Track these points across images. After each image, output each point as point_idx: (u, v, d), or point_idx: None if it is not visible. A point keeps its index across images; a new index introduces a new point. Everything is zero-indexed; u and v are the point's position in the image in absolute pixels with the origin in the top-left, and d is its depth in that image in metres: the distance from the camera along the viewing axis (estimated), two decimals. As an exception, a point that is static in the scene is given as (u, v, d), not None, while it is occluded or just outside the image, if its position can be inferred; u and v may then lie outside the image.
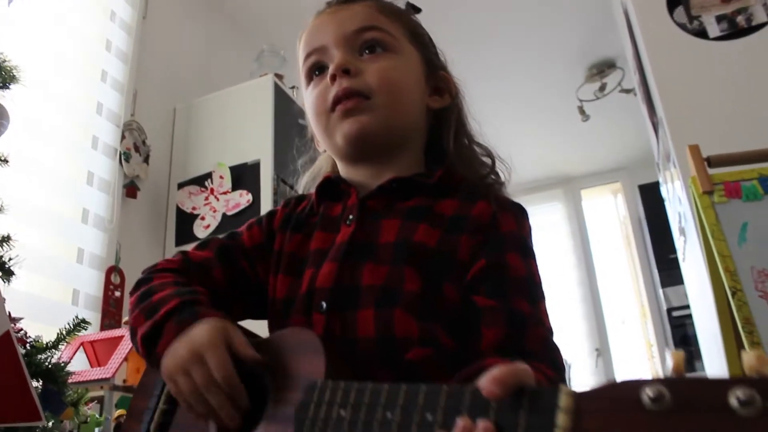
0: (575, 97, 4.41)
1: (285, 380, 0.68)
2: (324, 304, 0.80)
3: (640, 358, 5.14)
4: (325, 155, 1.05)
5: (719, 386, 0.38)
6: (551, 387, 0.45)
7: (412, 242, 0.82)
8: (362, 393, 0.56)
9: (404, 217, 0.85)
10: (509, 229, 0.84)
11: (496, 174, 0.95)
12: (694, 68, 2.27)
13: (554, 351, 0.77)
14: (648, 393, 0.39)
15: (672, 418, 0.39)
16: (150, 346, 0.78)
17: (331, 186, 0.95)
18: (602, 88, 4.27)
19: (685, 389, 0.39)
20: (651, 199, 4.57)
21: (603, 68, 4.18)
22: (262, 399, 0.69)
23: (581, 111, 4.46)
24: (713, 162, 1.75)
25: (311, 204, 0.96)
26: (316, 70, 0.94)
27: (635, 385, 0.41)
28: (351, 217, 0.88)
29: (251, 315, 0.95)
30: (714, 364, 2.48)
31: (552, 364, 0.73)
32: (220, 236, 0.99)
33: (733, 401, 0.37)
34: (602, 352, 5.12)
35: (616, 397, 0.42)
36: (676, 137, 2.20)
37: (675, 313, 4.56)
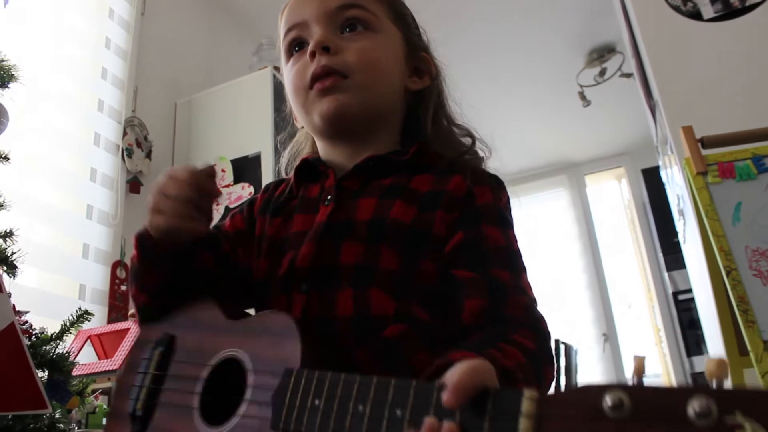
0: (576, 83, 4.40)
1: (262, 364, 0.70)
2: (303, 285, 0.82)
3: (647, 342, 5.15)
4: (303, 131, 1.06)
5: (678, 396, 0.38)
6: (515, 391, 0.46)
7: (388, 219, 0.83)
8: (336, 384, 0.58)
9: (380, 195, 0.86)
10: (485, 202, 0.84)
11: (474, 152, 0.96)
12: (689, 50, 2.28)
13: (538, 319, 0.76)
14: (608, 400, 0.40)
15: (630, 426, 0.39)
16: (141, 247, 0.88)
17: (309, 168, 0.96)
18: (602, 72, 4.27)
19: (645, 398, 0.40)
20: (654, 183, 4.57)
21: (603, 53, 4.17)
22: (242, 381, 0.71)
23: (582, 96, 4.46)
24: (707, 143, 1.76)
25: (290, 187, 0.97)
26: (296, 46, 0.94)
27: (596, 392, 0.41)
28: (329, 197, 0.88)
29: (242, 297, 0.96)
30: (716, 345, 2.49)
31: (535, 332, 0.73)
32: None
33: (690, 412, 0.37)
34: (609, 337, 5.14)
35: (577, 403, 0.42)
36: (672, 120, 2.21)
37: (681, 297, 4.57)
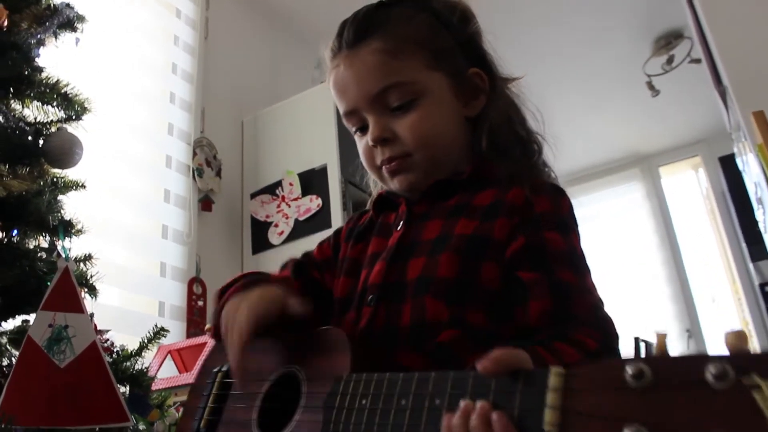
0: (643, 73, 4.28)
1: (316, 375, 0.74)
2: (372, 299, 0.87)
3: (735, 336, 4.93)
4: None
5: (696, 363, 0.40)
6: (543, 369, 0.49)
7: (451, 235, 0.87)
8: (381, 383, 0.62)
9: (445, 216, 0.91)
10: (544, 210, 0.86)
11: (535, 164, 0.97)
12: (758, 32, 2.19)
13: (604, 319, 0.77)
14: (629, 371, 0.42)
15: (652, 394, 0.41)
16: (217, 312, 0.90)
17: (384, 201, 1.03)
18: (670, 60, 4.13)
19: (665, 367, 0.42)
20: (733, 171, 4.37)
21: (670, 39, 4.04)
22: (297, 392, 0.75)
23: (650, 86, 4.32)
24: (779, 127, 1.68)
25: (371, 216, 1.05)
26: (356, 131, 0.99)
27: (619, 365, 0.43)
28: (401, 222, 0.95)
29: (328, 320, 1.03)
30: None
31: (600, 332, 0.74)
32: (296, 258, 1.10)
33: (708, 376, 0.39)
34: (693, 333, 4.94)
35: (601, 376, 0.45)
36: (743, 105, 2.12)
37: (769, 288, 4.36)
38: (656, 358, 0.42)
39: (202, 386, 0.95)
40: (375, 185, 1.11)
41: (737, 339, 0.41)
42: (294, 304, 0.81)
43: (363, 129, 0.97)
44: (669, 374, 0.41)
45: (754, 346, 4.73)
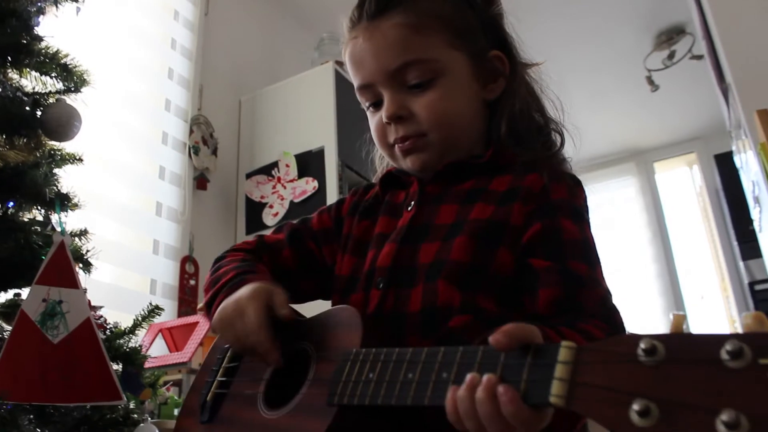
0: (643, 67, 4.27)
1: (326, 351, 0.74)
2: (381, 281, 0.86)
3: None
4: None
5: (712, 341, 0.39)
6: (554, 343, 0.48)
7: (467, 220, 0.85)
8: (390, 356, 0.62)
9: (461, 201, 0.89)
10: (560, 197, 0.85)
11: (554, 153, 0.95)
12: (765, 29, 2.18)
13: (612, 311, 0.77)
14: (642, 346, 0.41)
15: (663, 369, 0.40)
16: (208, 310, 0.89)
17: (394, 177, 1.00)
18: (671, 55, 4.12)
19: (679, 344, 0.41)
20: (728, 169, 4.38)
21: (672, 35, 4.03)
22: (306, 366, 0.75)
23: (650, 81, 4.31)
24: (783, 127, 1.68)
25: (377, 192, 1.01)
26: (369, 106, 0.96)
27: (632, 340, 0.43)
28: (412, 203, 0.93)
29: (320, 294, 1.03)
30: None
31: (607, 322, 0.74)
32: (294, 221, 1.07)
33: (723, 354, 0.38)
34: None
35: (612, 350, 0.44)
36: (746, 103, 2.12)
37: (758, 287, 4.38)
38: (671, 335, 0.41)
39: (212, 362, 0.94)
40: (381, 162, 1.08)
41: (755, 321, 0.40)
42: (284, 313, 0.81)
43: (377, 104, 0.94)
44: (682, 351, 0.40)
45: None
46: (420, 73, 0.89)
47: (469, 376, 0.53)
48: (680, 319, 0.44)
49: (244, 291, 0.82)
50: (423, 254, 0.85)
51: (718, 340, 0.39)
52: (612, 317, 0.76)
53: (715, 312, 5.07)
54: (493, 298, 0.80)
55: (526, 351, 0.51)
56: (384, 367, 0.61)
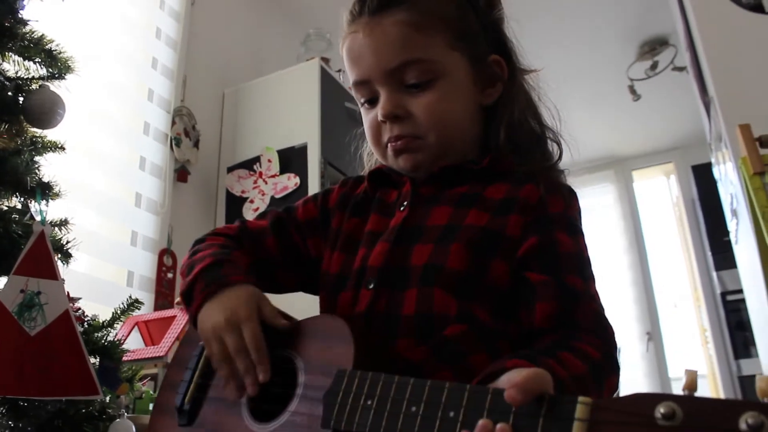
0: (626, 76, 4.30)
1: (313, 363, 0.71)
2: (372, 281, 0.84)
3: (693, 342, 5.03)
4: None
5: (731, 409, 0.39)
6: (570, 397, 0.48)
7: (461, 224, 0.84)
8: (389, 385, 0.60)
9: (455, 204, 0.88)
10: (556, 210, 0.85)
11: (552, 159, 0.96)
12: (749, 45, 2.20)
13: (606, 328, 0.78)
14: (661, 410, 0.41)
15: None
16: (186, 303, 0.86)
17: (383, 176, 0.99)
18: (654, 66, 4.16)
19: (698, 409, 0.40)
20: (705, 180, 4.44)
21: (655, 45, 4.07)
22: (293, 380, 0.72)
23: (632, 91, 4.36)
24: (765, 142, 1.70)
25: (366, 189, 1.00)
26: (365, 102, 0.94)
27: (650, 401, 0.42)
28: (405, 203, 0.91)
29: (302, 287, 1.01)
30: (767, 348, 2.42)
31: (602, 340, 0.75)
32: (278, 209, 1.04)
33: (743, 425, 0.38)
34: (653, 336, 5.04)
35: (630, 411, 0.43)
36: (727, 117, 2.14)
37: (729, 297, 4.44)
38: (690, 399, 0.41)
39: (186, 358, 0.90)
40: (369, 159, 1.06)
41: None
42: (280, 323, 0.79)
43: (372, 102, 0.92)
44: (701, 418, 0.40)
45: (710, 352, 4.83)
46: (419, 73, 0.88)
47: (481, 422, 0.51)
48: (693, 376, 0.44)
49: (234, 299, 0.80)
50: (415, 256, 0.84)
51: (737, 409, 0.38)
52: (605, 334, 0.77)
53: (686, 320, 5.14)
54: (488, 309, 0.80)
55: (540, 402, 0.50)
56: (383, 394, 0.60)
